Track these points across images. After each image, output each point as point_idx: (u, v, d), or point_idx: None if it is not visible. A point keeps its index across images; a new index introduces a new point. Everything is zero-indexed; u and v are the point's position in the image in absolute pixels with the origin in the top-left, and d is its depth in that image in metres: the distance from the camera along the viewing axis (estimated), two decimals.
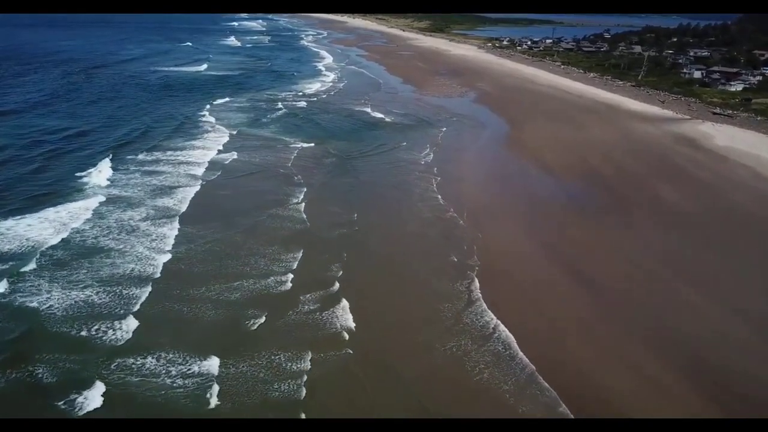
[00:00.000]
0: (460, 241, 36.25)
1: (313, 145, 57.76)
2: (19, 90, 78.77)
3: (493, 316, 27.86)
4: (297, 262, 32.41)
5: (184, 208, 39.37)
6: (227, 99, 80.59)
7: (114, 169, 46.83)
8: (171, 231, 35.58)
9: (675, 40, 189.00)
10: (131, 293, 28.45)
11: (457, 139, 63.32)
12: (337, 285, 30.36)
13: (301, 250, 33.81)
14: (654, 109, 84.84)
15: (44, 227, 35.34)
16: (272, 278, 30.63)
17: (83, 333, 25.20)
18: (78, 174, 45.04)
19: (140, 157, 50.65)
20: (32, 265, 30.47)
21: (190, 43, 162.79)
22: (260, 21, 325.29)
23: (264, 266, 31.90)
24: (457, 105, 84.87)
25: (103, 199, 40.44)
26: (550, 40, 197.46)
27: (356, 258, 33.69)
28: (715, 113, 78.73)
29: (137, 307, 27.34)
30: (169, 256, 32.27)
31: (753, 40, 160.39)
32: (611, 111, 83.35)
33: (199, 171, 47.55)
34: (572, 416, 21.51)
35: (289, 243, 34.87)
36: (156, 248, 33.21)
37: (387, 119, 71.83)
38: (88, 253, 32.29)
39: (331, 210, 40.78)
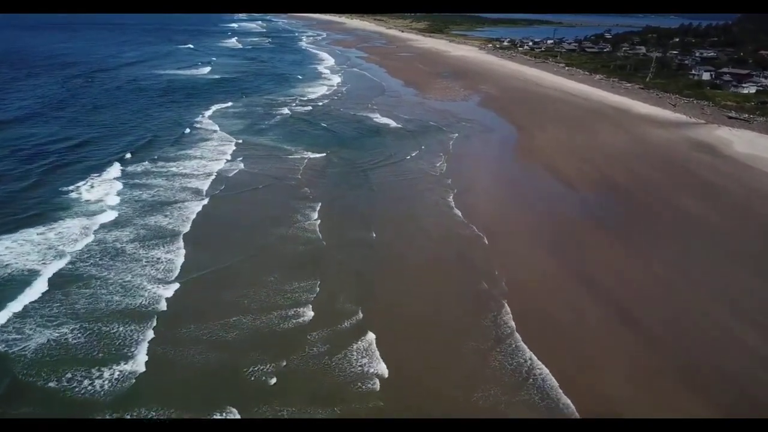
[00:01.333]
0: (486, 265, 33.59)
1: (321, 155, 55.02)
2: (15, 96, 75.80)
3: (531, 354, 25.49)
4: (315, 294, 29.62)
5: (186, 228, 36.53)
6: (230, 104, 78.51)
7: (110, 184, 43.92)
8: (171, 257, 32.64)
9: (677, 40, 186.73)
10: (128, 336, 25.51)
11: (468, 146, 60.65)
12: (360, 316, 27.83)
13: (318, 280, 31.07)
14: (665, 112, 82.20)
15: (28, 251, 32.49)
16: (288, 312, 27.93)
17: (65, 384, 22.35)
18: (70, 190, 42.21)
19: (139, 169, 47.84)
20: (12, 303, 27.44)
21: (191, 45, 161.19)
22: (259, 22, 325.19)
23: (278, 299, 29.14)
24: (462, 109, 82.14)
25: (96, 218, 37.56)
26: (552, 41, 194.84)
27: (378, 285, 31.00)
28: (730, 117, 76.15)
29: (134, 352, 24.50)
30: (170, 290, 29.33)
31: (757, 40, 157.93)
32: (622, 115, 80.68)
33: (203, 185, 44.68)
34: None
35: (305, 269, 32.18)
36: (155, 278, 30.37)
37: (394, 125, 69.29)
38: (78, 284, 29.48)
39: (347, 229, 38.05)
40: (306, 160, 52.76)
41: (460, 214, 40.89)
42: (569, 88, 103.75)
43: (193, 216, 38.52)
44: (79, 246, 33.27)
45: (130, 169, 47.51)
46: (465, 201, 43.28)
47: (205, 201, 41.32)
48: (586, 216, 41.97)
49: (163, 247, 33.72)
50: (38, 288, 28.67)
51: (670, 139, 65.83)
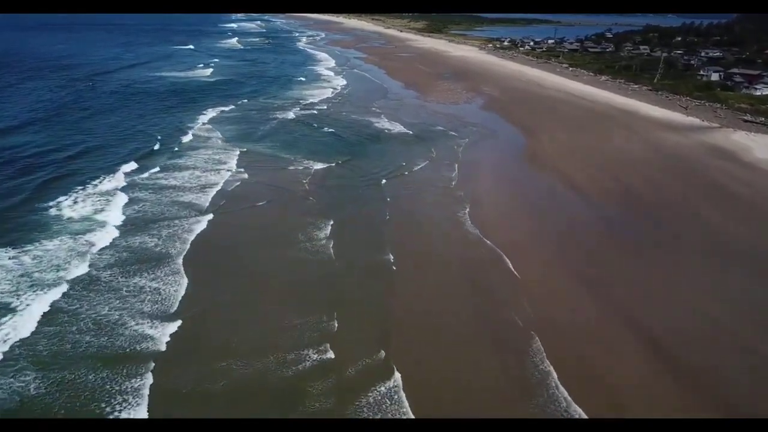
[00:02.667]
0: (512, 294, 30.39)
1: (327, 165, 51.81)
2: (9, 103, 72.42)
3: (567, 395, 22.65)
4: (333, 331, 26.46)
5: (184, 252, 33.27)
6: (231, 107, 76.25)
7: (99, 200, 40.69)
8: (169, 287, 29.32)
9: (679, 39, 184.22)
10: (122, 388, 22.11)
11: (477, 153, 57.54)
12: (383, 355, 24.74)
13: (335, 312, 27.91)
14: (677, 115, 79.28)
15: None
16: (306, 353, 24.79)
17: None
18: (51, 206, 38.95)
19: (133, 183, 44.73)
20: None
21: (192, 46, 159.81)
22: (258, 22, 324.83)
23: (292, 337, 25.93)
24: (467, 112, 79.27)
25: (82, 239, 34.30)
26: (553, 41, 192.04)
27: (401, 319, 27.72)
28: (746, 121, 73.31)
29: (129, 406, 21.25)
30: (169, 327, 25.97)
31: (760, 40, 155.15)
32: (631, 118, 77.78)
33: (202, 200, 41.35)
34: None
35: (320, 300, 29.05)
36: (151, 313, 27.04)
37: (399, 130, 66.37)
38: (57, 323, 26.18)
39: (361, 251, 34.75)
40: (312, 171, 49.63)
41: (479, 233, 37.53)
42: (574, 90, 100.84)
43: (192, 237, 35.17)
44: (60, 274, 30.01)
45: (122, 182, 44.30)
46: (481, 217, 40.06)
47: (205, 219, 37.97)
48: (611, 234, 38.70)
49: (159, 275, 30.45)
50: (8, 326, 25.51)
51: (686, 145, 62.84)
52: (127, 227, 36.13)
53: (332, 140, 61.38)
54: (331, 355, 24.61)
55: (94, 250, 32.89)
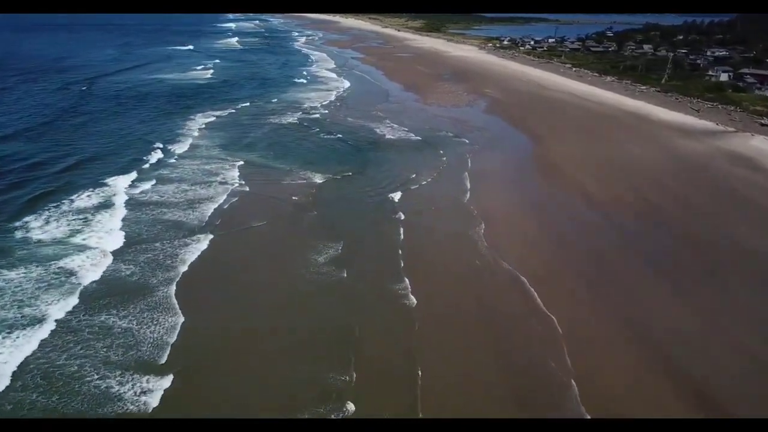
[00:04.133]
0: (549, 339, 26.68)
1: (332, 176, 48.23)
2: (3, 109, 69.14)
3: None
4: (352, 385, 22.84)
5: (176, 280, 29.73)
6: (231, 111, 73.76)
7: (76, 219, 37.02)
8: (158, 334, 25.40)
9: (681, 37, 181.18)
10: None
11: (488, 164, 53.84)
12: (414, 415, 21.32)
13: (352, 358, 24.43)
14: (689, 119, 75.96)
15: None
16: (323, 409, 21.53)
17: None
18: (17, 227, 35.23)
19: (123, 197, 41.10)
20: None
21: (191, 47, 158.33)
22: (257, 22, 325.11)
23: (306, 392, 22.43)
24: (471, 117, 75.80)
25: (53, 267, 30.61)
26: (553, 40, 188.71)
27: (427, 368, 24.02)
28: (763, 125, 69.93)
29: None
30: (158, 386, 22.23)
31: (764, 39, 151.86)
32: (642, 122, 74.42)
33: (197, 220, 37.54)
34: None
35: (335, 345, 25.42)
36: (137, 366, 23.25)
37: (404, 137, 63.00)
38: (20, 386, 22.65)
39: (377, 282, 30.78)
40: (316, 184, 46.08)
41: (504, 263, 33.63)
42: (580, 92, 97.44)
43: (185, 268, 31.30)
44: (23, 312, 26.30)
45: (105, 199, 40.60)
46: (501, 241, 36.25)
47: (200, 244, 34.20)
48: (641, 262, 34.61)
49: (147, 314, 26.76)
50: None
51: (704, 153, 59.42)
52: (109, 252, 32.49)
53: (336, 148, 58.05)
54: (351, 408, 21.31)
55: (68, 281, 29.31)
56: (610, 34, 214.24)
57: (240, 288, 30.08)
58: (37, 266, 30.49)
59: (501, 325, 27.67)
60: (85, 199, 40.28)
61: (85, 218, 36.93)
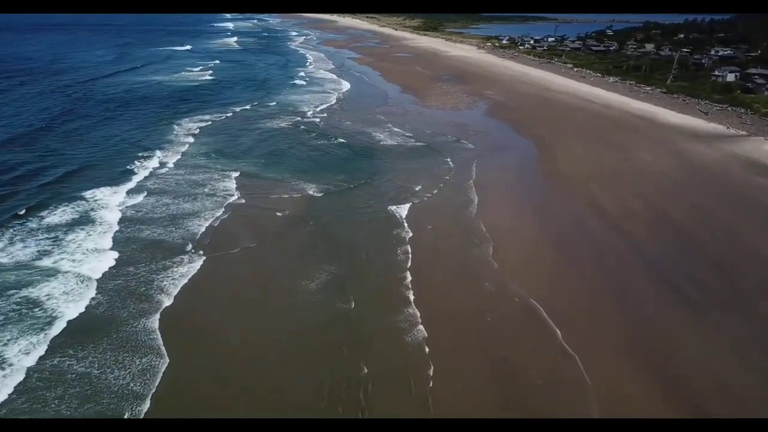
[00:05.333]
0: (570, 376, 24.02)
1: (330, 189, 45.24)
2: None
3: None
4: None
5: (156, 319, 26.55)
6: (229, 115, 71.42)
7: (50, 237, 33.94)
8: (137, 385, 22.23)
9: (682, 36, 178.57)
10: None
11: (494, 173, 51.11)
12: None
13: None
14: (698, 122, 73.15)
15: None
16: None
17: None
18: None
19: (100, 212, 38.00)
20: None
21: (189, 47, 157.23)
22: (254, 21, 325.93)
23: None
24: (474, 121, 72.92)
25: (21, 295, 27.48)
26: (553, 39, 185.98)
27: None
28: None
29: None
30: None
31: (766, 38, 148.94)
32: (650, 126, 71.57)
33: (184, 240, 34.24)
34: None
35: (342, 395, 22.41)
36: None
37: (405, 144, 60.01)
38: None
39: (389, 322, 27.30)
40: (314, 199, 42.97)
41: (523, 293, 30.80)
42: (583, 93, 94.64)
43: (168, 300, 27.93)
44: None
45: (80, 215, 37.57)
46: (513, 265, 33.46)
47: (184, 269, 30.95)
48: (665, 289, 31.40)
49: (123, 354, 23.80)
50: None
51: (717, 159, 56.54)
52: (83, 279, 29.51)
53: (334, 155, 55.26)
54: None
55: (30, 314, 26.29)
56: (610, 32, 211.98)
57: (231, 325, 26.83)
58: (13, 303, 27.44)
59: (520, 370, 24.70)
60: (58, 215, 37.24)
61: (56, 237, 33.86)
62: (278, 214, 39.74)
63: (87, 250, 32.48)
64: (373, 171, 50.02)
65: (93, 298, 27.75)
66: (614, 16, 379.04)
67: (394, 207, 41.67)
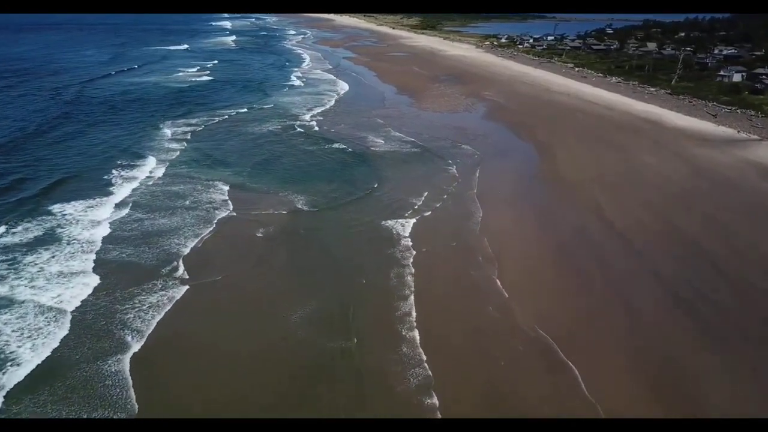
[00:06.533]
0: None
1: (325, 201, 42.73)
2: None
3: None
4: None
5: (126, 371, 23.56)
6: (226, 117, 70.12)
7: (8, 258, 31.18)
8: None
9: (683, 35, 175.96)
10: None
11: (498, 183, 48.44)
12: None
13: None
14: (707, 125, 70.41)
15: None
16: None
17: None
18: None
19: (66, 230, 35.20)
20: None
21: (186, 46, 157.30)
22: (252, 20, 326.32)
23: None
24: (473, 125, 70.31)
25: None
26: (552, 37, 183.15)
27: None
28: None
29: None
30: None
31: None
32: (656, 129, 68.85)
33: (163, 265, 31.34)
34: None
35: None
36: None
37: (404, 150, 57.39)
38: None
39: (394, 366, 24.24)
40: (309, 215, 40.19)
41: (536, 327, 28.32)
42: (585, 94, 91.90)
43: (140, 341, 24.84)
44: None
45: (44, 231, 34.78)
46: (523, 295, 30.75)
47: (160, 299, 27.97)
48: (687, 318, 28.68)
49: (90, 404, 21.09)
50: None
51: (730, 165, 53.80)
52: (42, 310, 26.65)
53: (331, 161, 53.17)
54: None
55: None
56: (610, 31, 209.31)
57: (214, 372, 23.68)
58: None
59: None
60: (20, 233, 34.27)
61: (14, 259, 30.94)
62: (268, 231, 36.99)
63: (51, 274, 29.57)
64: (371, 180, 47.29)
65: (51, 335, 24.82)
66: (613, 14, 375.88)
67: (394, 222, 38.84)
